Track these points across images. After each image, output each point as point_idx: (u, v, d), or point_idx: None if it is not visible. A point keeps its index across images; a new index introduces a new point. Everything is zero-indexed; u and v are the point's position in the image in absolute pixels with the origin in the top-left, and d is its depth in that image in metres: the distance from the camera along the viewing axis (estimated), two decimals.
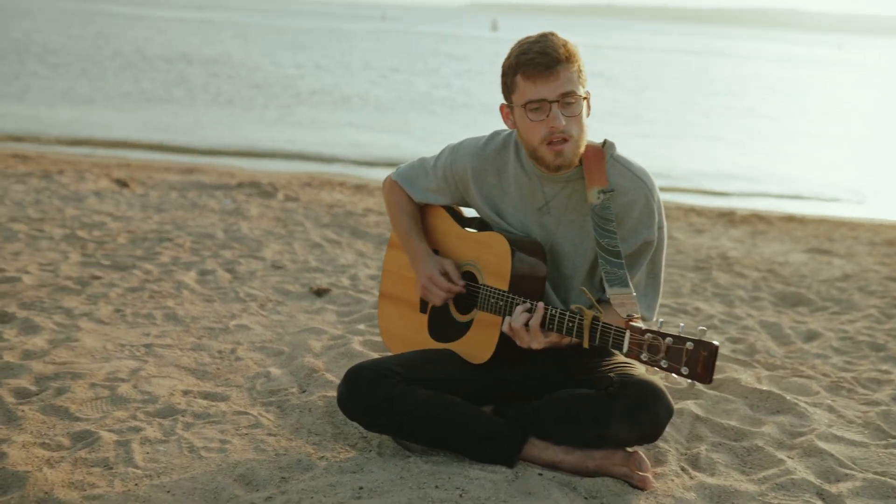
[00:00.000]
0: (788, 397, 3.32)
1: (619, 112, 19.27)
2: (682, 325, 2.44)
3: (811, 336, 4.38)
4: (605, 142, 2.83)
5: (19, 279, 4.40)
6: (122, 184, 7.80)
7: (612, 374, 2.71)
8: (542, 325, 2.61)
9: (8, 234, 5.40)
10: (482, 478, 2.60)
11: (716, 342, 2.26)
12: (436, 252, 3.10)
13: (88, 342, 3.59)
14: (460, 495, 2.51)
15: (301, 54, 32.55)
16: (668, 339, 2.32)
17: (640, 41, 68.92)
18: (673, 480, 2.68)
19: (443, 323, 3.01)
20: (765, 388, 3.39)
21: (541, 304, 2.62)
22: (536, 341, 2.61)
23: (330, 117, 16.06)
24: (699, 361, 2.27)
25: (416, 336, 3.10)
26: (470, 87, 23.32)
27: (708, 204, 9.89)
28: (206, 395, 3.18)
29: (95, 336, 3.68)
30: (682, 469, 2.78)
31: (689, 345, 2.28)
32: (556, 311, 2.60)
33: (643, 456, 2.66)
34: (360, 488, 2.52)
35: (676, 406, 3.19)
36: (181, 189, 7.68)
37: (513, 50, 2.66)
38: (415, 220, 3.09)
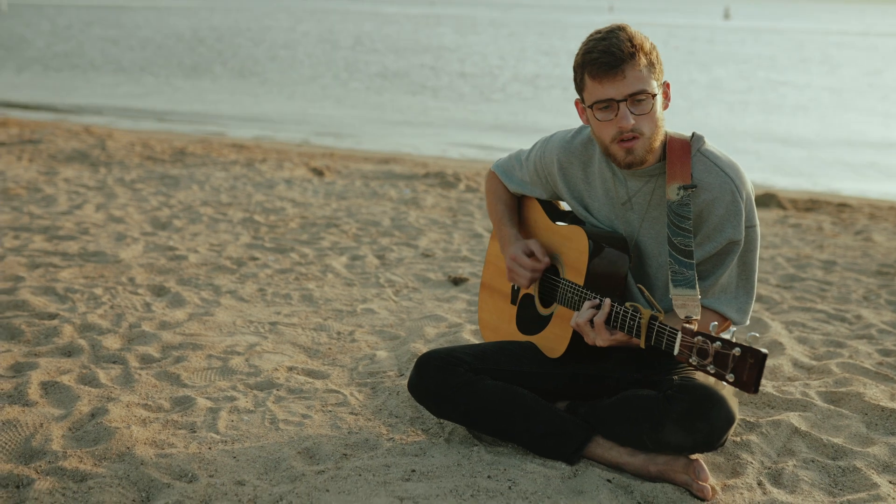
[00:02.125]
0: None
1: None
2: (753, 334, 2.30)
3: None
4: (693, 135, 2.70)
5: (186, 257, 4.84)
6: (318, 172, 8.29)
7: (675, 377, 2.58)
8: (608, 322, 2.55)
9: (195, 216, 5.93)
10: (537, 472, 2.59)
11: (764, 350, 2.11)
12: None
13: (221, 317, 3.89)
14: (509, 487, 2.51)
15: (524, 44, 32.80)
16: (717, 344, 2.20)
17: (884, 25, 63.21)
18: (742, 494, 2.53)
19: (528, 315, 3.01)
20: (890, 406, 3.08)
21: (607, 301, 2.55)
22: (601, 338, 2.55)
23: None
24: (745, 369, 2.13)
25: (506, 327, 3.11)
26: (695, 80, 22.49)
27: None
28: (309, 373, 3.36)
29: (230, 312, 3.99)
30: (759, 483, 2.60)
31: (737, 351, 2.15)
32: (620, 309, 2.52)
33: (703, 464, 2.52)
34: (413, 471, 2.59)
35: (778, 416, 2.99)
36: (370, 178, 8.04)
37: (581, 47, 2.59)
38: (509, 208, 3.09)
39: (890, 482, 2.63)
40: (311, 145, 11.52)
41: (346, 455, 2.69)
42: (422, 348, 3.60)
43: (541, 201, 3.07)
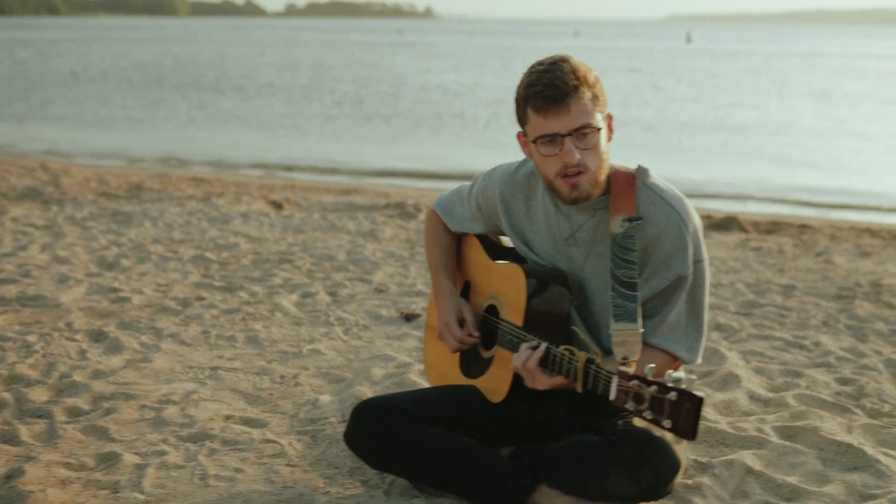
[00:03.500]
0: (870, 452, 2.91)
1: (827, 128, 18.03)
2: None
3: None
4: (638, 167, 2.61)
5: (130, 299, 4.68)
6: (277, 205, 8.16)
7: (619, 422, 2.48)
8: (545, 365, 2.44)
9: (144, 255, 5.77)
10: None
11: (700, 394, 2.00)
12: (468, 284, 2.99)
13: (160, 363, 3.74)
14: None
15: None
16: (653, 388, 2.09)
17: (855, 46, 64.38)
18: None
19: (471, 358, 2.89)
20: (845, 440, 2.99)
21: (543, 344, 2.44)
22: (539, 382, 2.44)
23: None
24: (681, 414, 2.02)
25: (450, 370, 3.00)
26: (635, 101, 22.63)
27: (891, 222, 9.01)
28: (247, 421, 3.22)
29: (170, 357, 3.84)
30: None
31: (673, 395, 2.04)
32: (556, 352, 2.41)
33: None
34: None
35: (732, 455, 2.88)
36: (329, 210, 7.92)
37: (523, 78, 2.50)
38: (447, 253, 2.99)
39: None
40: (274, 177, 11.39)
41: None
42: (367, 391, 3.47)
43: (481, 238, 2.97)
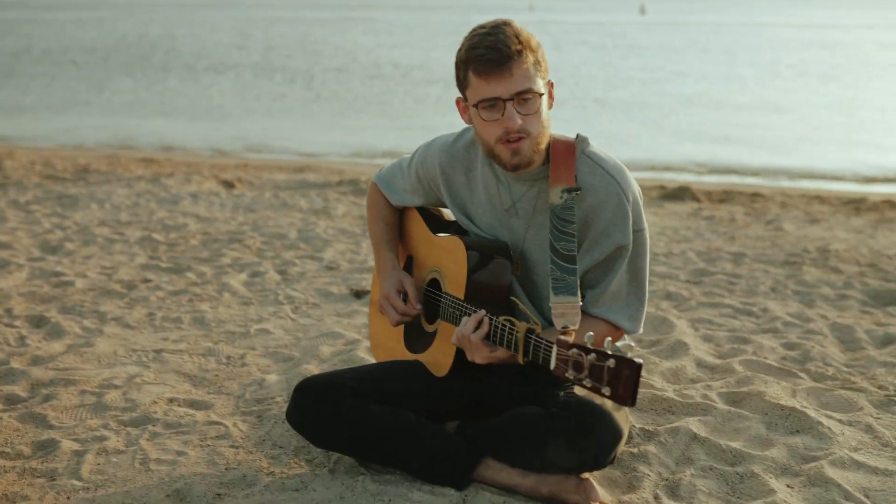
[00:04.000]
0: (812, 414, 2.94)
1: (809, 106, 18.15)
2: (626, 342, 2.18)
3: (888, 341, 3.89)
4: (577, 136, 2.58)
5: (73, 283, 4.58)
6: (229, 185, 8.03)
7: (561, 393, 2.46)
8: (486, 337, 2.41)
9: (89, 237, 5.65)
10: (424, 501, 2.45)
11: (639, 360, 1.99)
12: (410, 259, 2.95)
13: (102, 347, 3.66)
14: None
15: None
16: (592, 356, 2.07)
17: (814, 17, 64.89)
18: None
19: (415, 332, 2.86)
20: (789, 405, 3.01)
21: (482, 315, 2.41)
22: (480, 355, 2.41)
23: None
24: (620, 381, 2.00)
25: (395, 345, 2.96)
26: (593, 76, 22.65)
27: (844, 189, 9.12)
28: (191, 404, 3.16)
29: (113, 341, 3.76)
30: (655, 497, 2.50)
31: (611, 362, 2.02)
32: (497, 322, 2.39)
33: (593, 483, 2.41)
34: None
35: (677, 423, 2.90)
36: (282, 188, 7.82)
37: (464, 41, 2.45)
38: (389, 226, 2.94)
39: (787, 486, 2.55)
40: (226, 155, 11.23)
41: (219, 495, 2.51)
42: (314, 370, 3.43)
43: (422, 212, 2.93)
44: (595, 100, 16.82)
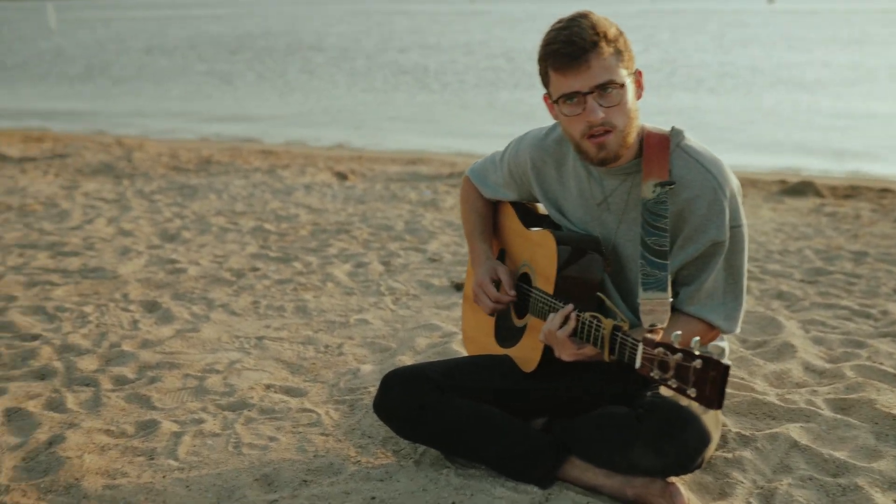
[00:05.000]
0: None
1: None
2: (723, 344, 2.09)
3: None
4: (672, 129, 2.50)
5: (186, 270, 4.76)
6: (342, 176, 8.19)
7: (649, 393, 2.39)
8: (573, 332, 2.36)
9: (204, 227, 5.86)
10: (505, 497, 2.42)
11: (726, 361, 1.90)
12: (503, 252, 2.93)
13: (207, 333, 3.79)
14: None
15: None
16: (678, 355, 2.00)
17: None
18: None
19: (505, 327, 2.84)
20: None
21: (570, 311, 2.36)
22: (567, 352, 2.37)
23: None
24: (707, 382, 1.93)
25: (486, 339, 2.95)
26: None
27: None
28: (287, 391, 3.23)
29: (218, 327, 3.88)
30: None
31: (698, 363, 1.95)
32: (585, 318, 2.34)
33: (679, 488, 2.33)
34: (373, 498, 2.44)
35: (777, 428, 2.77)
36: (393, 180, 7.91)
37: (543, 38, 2.41)
38: (483, 218, 2.93)
39: (895, 501, 2.40)
40: (343, 148, 11.44)
41: (305, 482, 2.55)
42: (408, 361, 3.45)
43: (516, 206, 2.90)
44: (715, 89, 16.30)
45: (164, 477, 2.56)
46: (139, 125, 13.53)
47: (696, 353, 1.96)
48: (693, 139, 2.50)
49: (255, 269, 4.84)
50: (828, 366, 3.37)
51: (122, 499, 2.42)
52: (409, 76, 19.98)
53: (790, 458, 2.62)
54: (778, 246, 5.45)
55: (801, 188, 7.52)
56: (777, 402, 2.98)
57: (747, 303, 4.24)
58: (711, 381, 1.91)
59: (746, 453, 2.63)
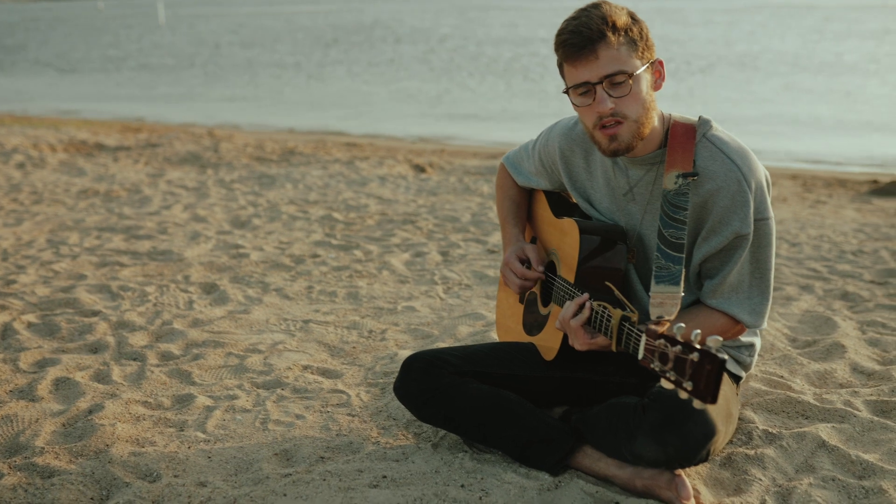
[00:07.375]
0: None
1: None
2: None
3: None
4: (699, 118, 2.46)
5: (248, 255, 4.90)
6: (420, 169, 8.27)
7: (657, 385, 2.35)
8: (589, 322, 2.35)
9: (275, 214, 6.01)
10: (514, 483, 2.42)
11: (723, 356, 1.86)
12: (534, 240, 2.92)
13: (256, 315, 3.90)
14: (480, 498, 2.36)
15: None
16: (678, 347, 1.96)
17: None
18: None
19: (532, 315, 2.84)
20: None
21: (584, 300, 2.34)
22: (579, 342, 2.35)
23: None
24: (702, 376, 1.89)
25: (515, 327, 2.96)
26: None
27: None
28: (323, 372, 3.30)
29: (268, 310, 3.99)
30: (763, 503, 2.33)
31: (695, 355, 1.91)
32: (595, 307, 2.31)
33: (685, 480, 2.28)
34: (384, 477, 2.48)
35: (807, 427, 2.68)
36: (469, 173, 7.94)
37: (558, 28, 2.40)
38: (516, 205, 2.93)
39: None
40: (426, 140, 11.53)
41: (322, 458, 2.61)
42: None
43: (548, 195, 2.90)
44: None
45: (189, 448, 2.66)
46: (232, 116, 13.94)
47: (696, 345, 1.92)
48: (721, 129, 2.44)
49: (314, 256, 4.94)
50: (878, 368, 3.24)
51: (145, 465, 2.53)
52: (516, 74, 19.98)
53: (815, 458, 2.54)
54: (853, 246, 5.25)
55: (892, 189, 7.22)
56: (812, 401, 2.88)
57: (807, 302, 4.10)
58: (707, 374, 1.87)
59: (769, 451, 2.56)
